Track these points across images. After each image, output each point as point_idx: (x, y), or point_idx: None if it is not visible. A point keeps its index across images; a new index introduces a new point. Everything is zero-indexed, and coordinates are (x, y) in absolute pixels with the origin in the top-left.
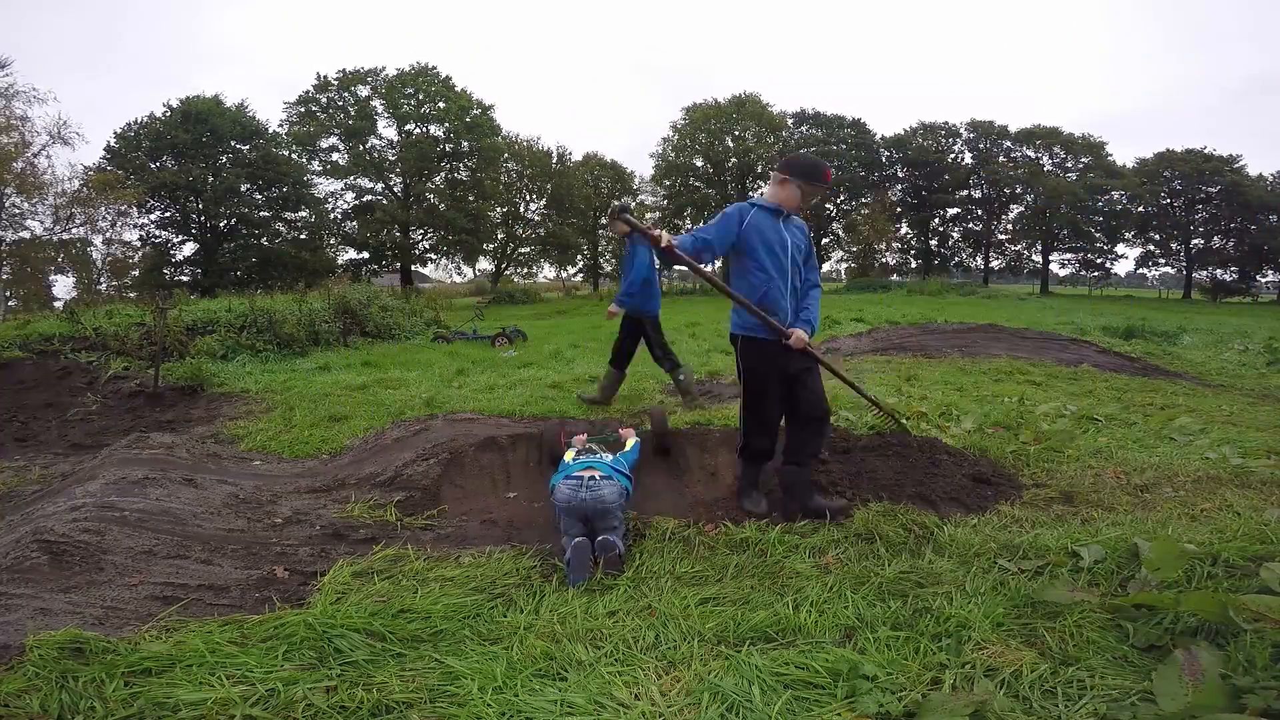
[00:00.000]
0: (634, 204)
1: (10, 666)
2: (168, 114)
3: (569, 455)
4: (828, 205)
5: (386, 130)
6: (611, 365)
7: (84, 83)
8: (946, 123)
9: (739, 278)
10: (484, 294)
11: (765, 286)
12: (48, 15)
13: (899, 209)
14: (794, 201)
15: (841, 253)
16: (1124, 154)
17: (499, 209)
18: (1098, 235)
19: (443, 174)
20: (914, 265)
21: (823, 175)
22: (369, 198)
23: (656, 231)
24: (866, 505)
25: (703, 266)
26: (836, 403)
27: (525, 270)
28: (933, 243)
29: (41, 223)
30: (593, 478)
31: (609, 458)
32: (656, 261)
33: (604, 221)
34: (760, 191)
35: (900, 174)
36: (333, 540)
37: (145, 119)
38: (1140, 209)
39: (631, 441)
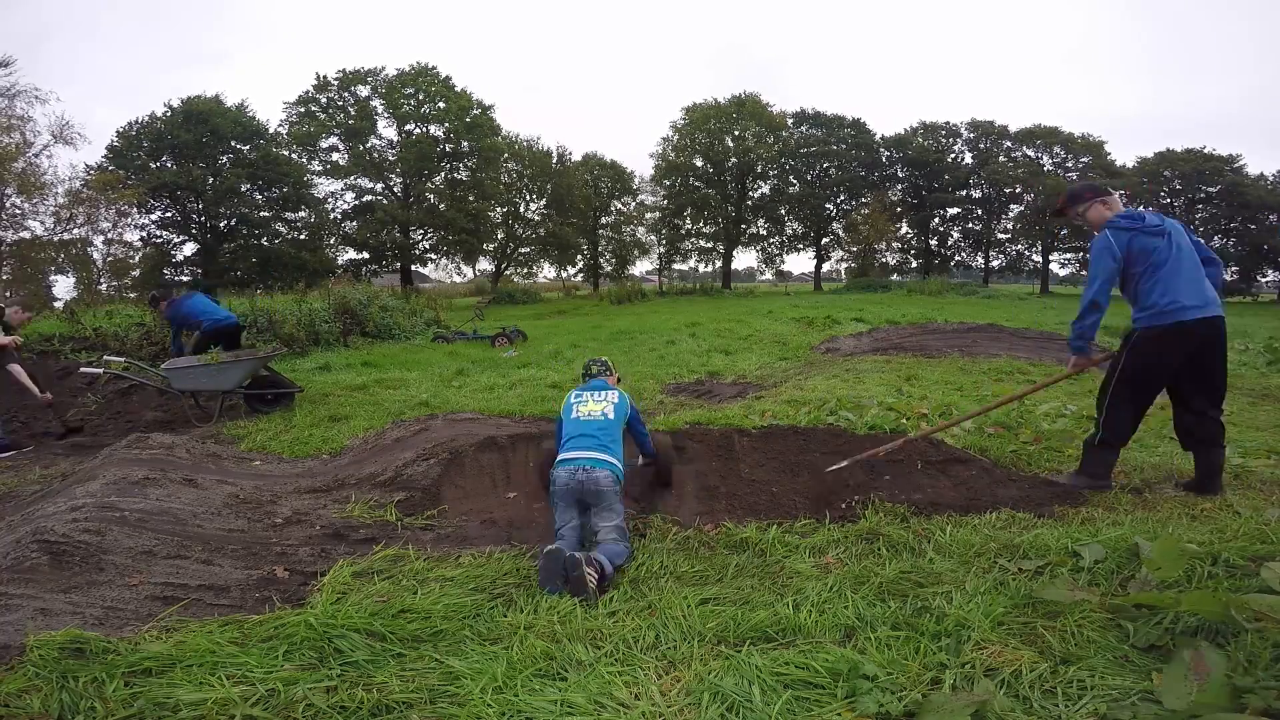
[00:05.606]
0: (633, 204)
1: (11, 666)
2: (168, 114)
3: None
4: (828, 205)
5: (386, 130)
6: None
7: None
8: (947, 123)
9: None
10: (484, 294)
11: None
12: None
13: (899, 209)
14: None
15: (841, 252)
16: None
17: (499, 209)
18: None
19: (443, 174)
20: (914, 265)
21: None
22: (369, 198)
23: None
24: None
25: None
26: (841, 404)
27: (525, 270)
28: (933, 242)
29: (42, 223)
30: (590, 461)
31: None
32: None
33: None
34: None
35: (900, 174)
36: (333, 540)
37: (146, 119)
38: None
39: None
